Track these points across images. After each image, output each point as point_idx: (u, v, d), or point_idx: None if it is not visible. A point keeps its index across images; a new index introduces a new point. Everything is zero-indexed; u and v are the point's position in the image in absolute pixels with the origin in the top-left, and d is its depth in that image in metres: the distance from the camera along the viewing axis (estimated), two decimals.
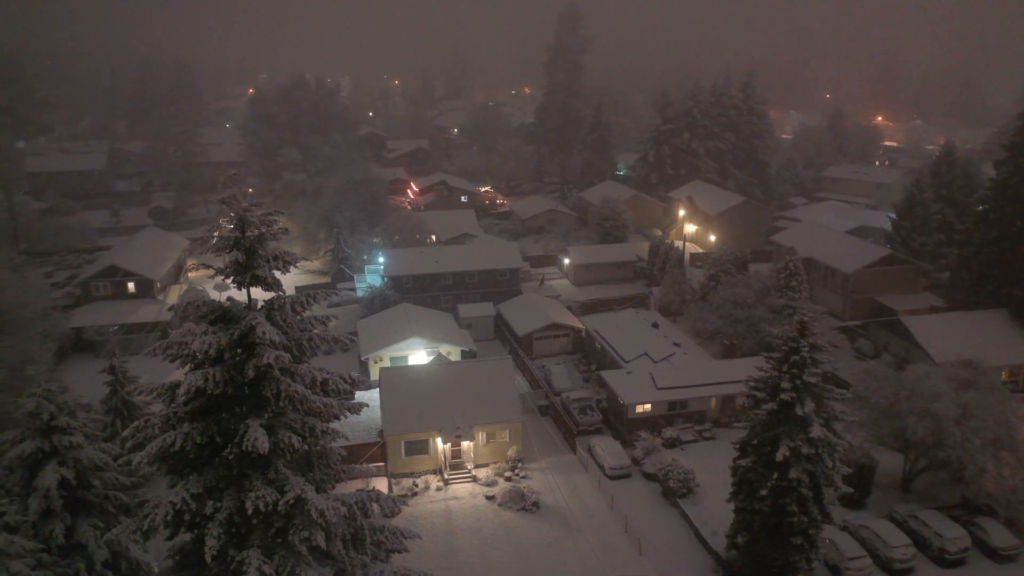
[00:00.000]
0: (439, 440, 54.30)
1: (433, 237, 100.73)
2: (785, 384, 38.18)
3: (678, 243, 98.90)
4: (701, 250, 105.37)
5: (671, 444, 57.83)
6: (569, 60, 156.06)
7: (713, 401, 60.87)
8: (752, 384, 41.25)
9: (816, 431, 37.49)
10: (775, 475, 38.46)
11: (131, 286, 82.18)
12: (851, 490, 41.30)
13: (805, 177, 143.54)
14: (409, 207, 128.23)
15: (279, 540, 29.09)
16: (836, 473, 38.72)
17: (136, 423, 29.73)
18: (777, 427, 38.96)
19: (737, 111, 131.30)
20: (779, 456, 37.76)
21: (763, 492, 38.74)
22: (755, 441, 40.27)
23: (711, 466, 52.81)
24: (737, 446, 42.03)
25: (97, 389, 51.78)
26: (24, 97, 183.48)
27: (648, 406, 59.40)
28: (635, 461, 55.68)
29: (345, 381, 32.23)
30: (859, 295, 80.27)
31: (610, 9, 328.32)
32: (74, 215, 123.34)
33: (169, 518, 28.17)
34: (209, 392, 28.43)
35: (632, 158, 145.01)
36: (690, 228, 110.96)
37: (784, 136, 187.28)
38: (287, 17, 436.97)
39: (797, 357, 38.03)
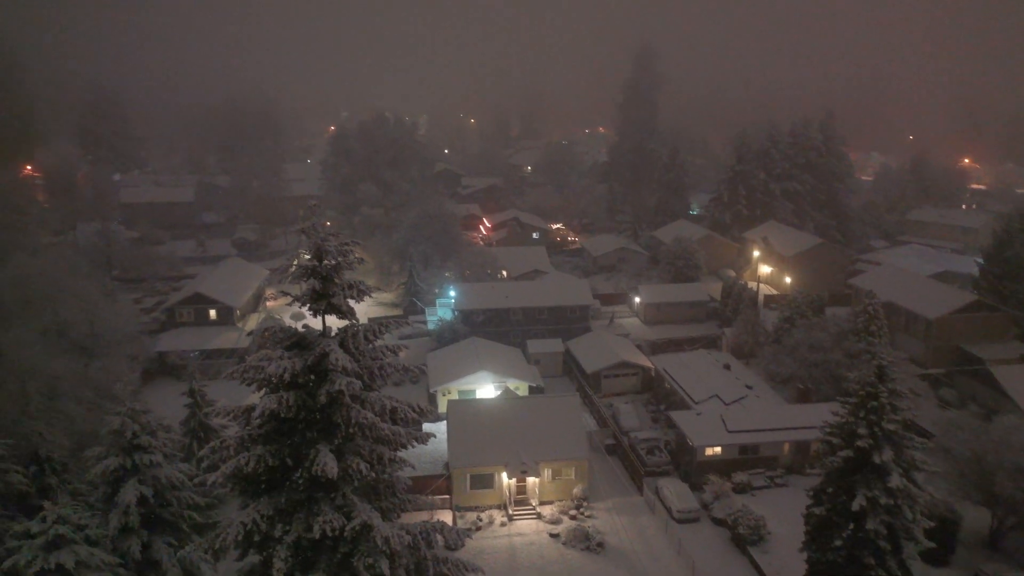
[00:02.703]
0: (504, 475, 54.16)
1: (504, 273, 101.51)
2: (862, 430, 36.89)
3: (752, 284, 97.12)
4: (776, 292, 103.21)
5: (741, 489, 56.25)
6: (644, 99, 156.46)
7: (786, 446, 59.10)
8: (827, 429, 39.99)
9: (895, 481, 36.01)
10: (851, 525, 37.02)
11: (213, 313, 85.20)
12: (933, 545, 39.32)
13: (886, 220, 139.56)
14: (481, 243, 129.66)
15: (344, 566, 29.44)
16: (916, 526, 37.00)
17: (212, 444, 30.72)
18: (853, 475, 37.57)
19: (815, 152, 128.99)
20: (855, 506, 36.36)
21: (838, 543, 37.30)
22: (830, 489, 38.89)
23: (783, 513, 51.14)
24: (811, 493, 40.63)
25: (177, 411, 53.68)
26: (122, 132, 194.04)
27: (718, 449, 58.07)
28: (704, 505, 54.34)
29: (414, 411, 32.65)
30: (943, 342, 77.06)
31: (687, 49, 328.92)
32: (163, 244, 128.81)
33: (240, 538, 28.87)
34: (282, 416, 29.20)
35: (706, 198, 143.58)
36: (764, 269, 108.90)
37: (865, 178, 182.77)
38: (371, 57, 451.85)
39: (875, 403, 36.76)
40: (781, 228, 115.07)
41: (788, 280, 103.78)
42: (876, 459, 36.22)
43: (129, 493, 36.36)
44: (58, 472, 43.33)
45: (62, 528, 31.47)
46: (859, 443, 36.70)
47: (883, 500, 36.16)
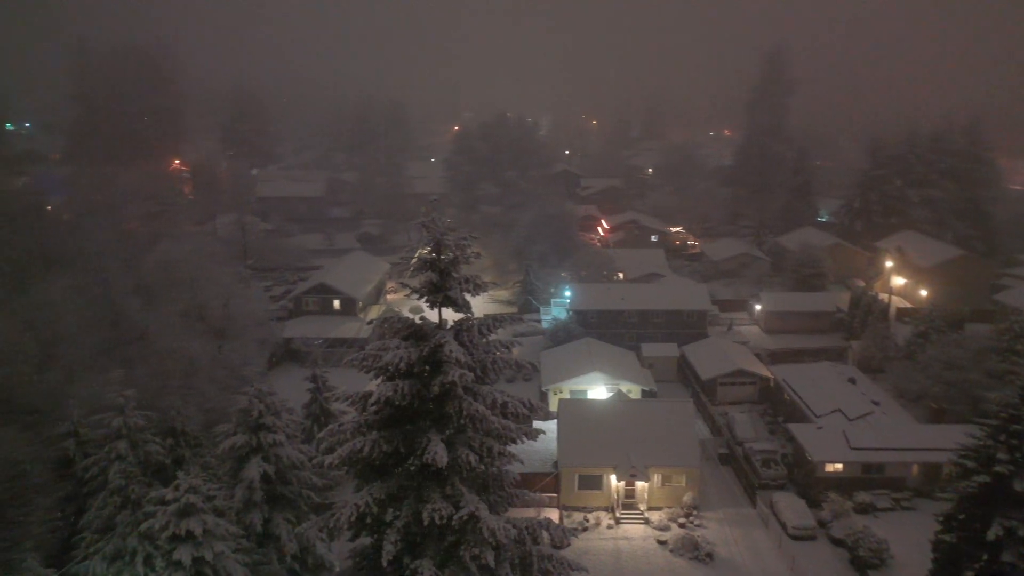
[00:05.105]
0: (613, 477, 53.67)
1: (621, 275, 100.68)
2: (1002, 455, 34.34)
3: (883, 295, 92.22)
4: (909, 305, 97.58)
5: (863, 509, 53.49)
6: (773, 102, 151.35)
7: (914, 468, 55.76)
8: (962, 452, 37.45)
9: None
10: (984, 556, 34.59)
11: (336, 303, 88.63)
12: None
13: None
14: (599, 244, 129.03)
15: (451, 554, 29.97)
16: None
17: (330, 427, 31.95)
18: (989, 502, 35.00)
19: (958, 157, 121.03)
20: (991, 535, 33.91)
21: (969, 574, 34.87)
22: (962, 516, 36.43)
23: (908, 538, 48.26)
24: (941, 519, 38.22)
25: (299, 395, 56.08)
26: (260, 130, 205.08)
27: (840, 466, 55.48)
28: (821, 523, 51.97)
29: (524, 406, 32.86)
30: None
31: (821, 49, 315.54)
32: (293, 236, 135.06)
33: (353, 519, 29.90)
34: (397, 403, 30.04)
35: (835, 204, 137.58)
36: (897, 280, 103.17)
37: (1015, 187, 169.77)
38: (496, 59, 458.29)
39: (1018, 427, 34.13)
40: (918, 237, 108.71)
41: (924, 293, 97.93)
42: (1017, 487, 33.65)
43: (253, 469, 38.31)
44: (191, 445, 46.24)
45: (193, 497, 33.45)
46: (997, 468, 34.18)
47: (1022, 531, 33.53)
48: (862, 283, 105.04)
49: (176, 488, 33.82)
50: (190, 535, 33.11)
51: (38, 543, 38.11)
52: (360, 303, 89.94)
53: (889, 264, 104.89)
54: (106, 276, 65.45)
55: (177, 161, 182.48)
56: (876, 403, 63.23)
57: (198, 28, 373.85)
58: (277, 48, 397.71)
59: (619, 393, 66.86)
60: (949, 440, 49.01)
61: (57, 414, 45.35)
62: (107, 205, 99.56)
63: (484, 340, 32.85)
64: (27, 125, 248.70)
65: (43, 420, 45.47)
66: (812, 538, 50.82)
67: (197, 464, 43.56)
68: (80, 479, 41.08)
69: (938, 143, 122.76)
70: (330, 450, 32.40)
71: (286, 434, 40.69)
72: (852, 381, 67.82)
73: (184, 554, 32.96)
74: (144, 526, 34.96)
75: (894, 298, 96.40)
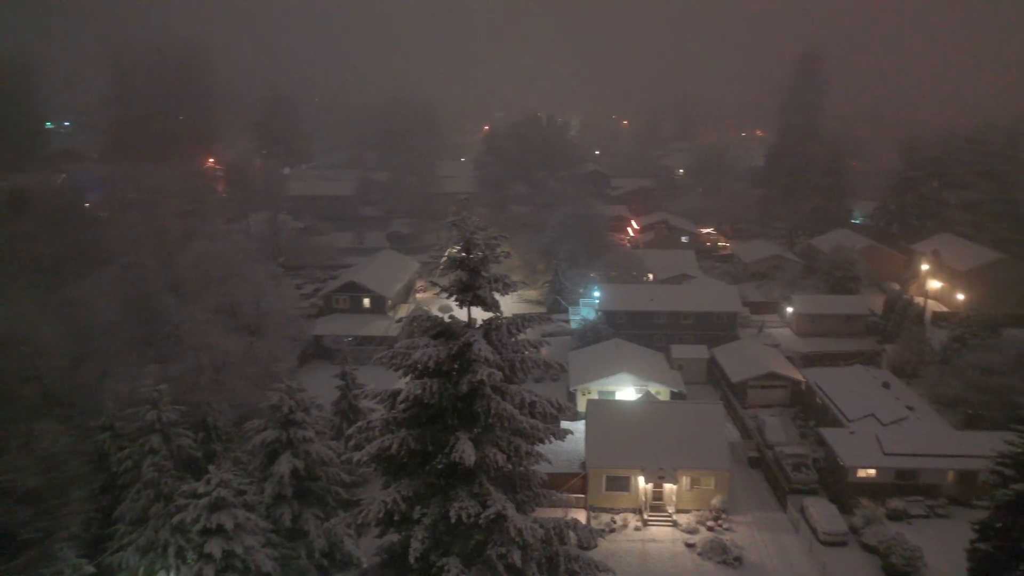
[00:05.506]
0: (641, 479, 53.38)
1: (650, 276, 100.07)
2: None
3: (918, 299, 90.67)
4: (945, 309, 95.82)
5: (896, 516, 52.62)
6: (806, 103, 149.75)
7: (950, 474, 54.75)
8: (999, 460, 36.69)
9: None
10: (1022, 567, 33.79)
11: (366, 302, 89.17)
12: None
13: None
14: (628, 244, 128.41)
15: (478, 553, 29.99)
16: None
17: (359, 424, 32.13)
18: None
19: (998, 159, 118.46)
20: None
21: None
22: (999, 524, 35.72)
23: (942, 546, 47.41)
24: (977, 528, 37.50)
25: (329, 392, 56.48)
26: (292, 130, 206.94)
27: (872, 471, 54.66)
28: (852, 529, 51.21)
29: (552, 406, 32.77)
30: None
31: (855, 49, 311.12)
32: (324, 235, 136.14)
33: (381, 516, 30.03)
34: (425, 401, 30.11)
35: (869, 206, 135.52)
36: (934, 284, 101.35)
37: None
38: (526, 59, 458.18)
39: None
40: (955, 240, 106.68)
41: (960, 297, 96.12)
42: None
43: (283, 465, 38.69)
44: (222, 440, 46.86)
45: (224, 491, 33.91)
46: None
47: None
48: (897, 286, 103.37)
49: (207, 482, 34.30)
50: (221, 529, 33.56)
51: (74, 533, 38.85)
52: (390, 301, 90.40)
53: (925, 267, 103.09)
54: (141, 273, 66.55)
55: (211, 160, 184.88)
56: (910, 408, 62.25)
57: (232, 29, 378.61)
58: (310, 48, 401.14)
59: (648, 394, 66.48)
60: (986, 447, 48.17)
61: (93, 408, 46.22)
62: (143, 203, 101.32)
63: (513, 339, 32.81)
64: (66, 124, 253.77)
65: (79, 413, 46.36)
66: (843, 544, 50.11)
67: (228, 459, 44.12)
68: (114, 472, 41.80)
69: (976, 144, 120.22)
70: (359, 447, 32.58)
71: (315, 430, 41.06)
72: (886, 385, 66.80)
73: (215, 547, 33.42)
74: (176, 519, 35.52)
75: (930, 302, 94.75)
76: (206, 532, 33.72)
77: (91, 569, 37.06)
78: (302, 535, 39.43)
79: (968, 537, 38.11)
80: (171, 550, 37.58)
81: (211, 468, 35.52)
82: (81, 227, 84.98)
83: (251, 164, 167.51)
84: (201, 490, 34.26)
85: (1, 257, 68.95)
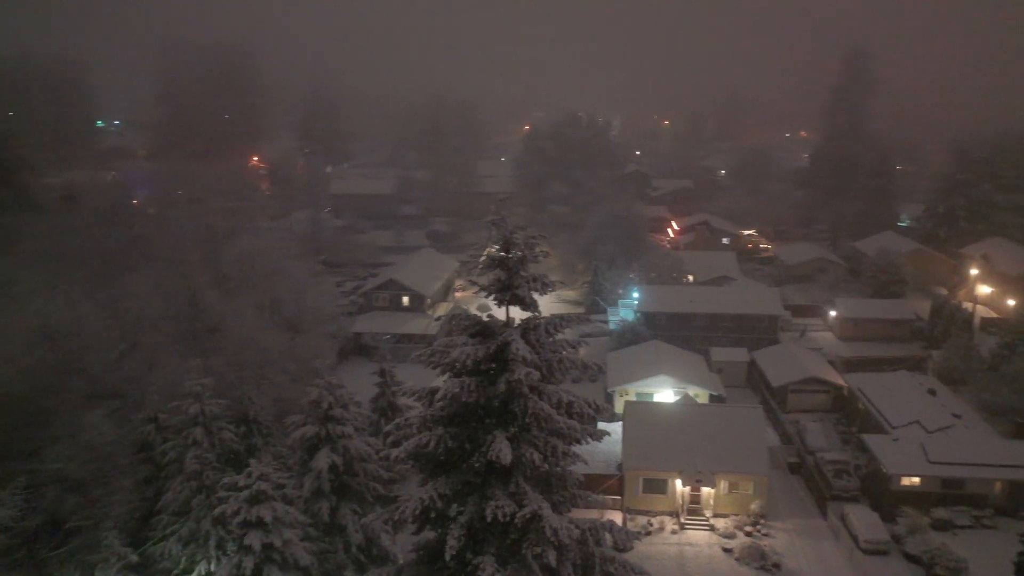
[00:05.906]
0: (678, 482, 52.96)
1: (690, 277, 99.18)
2: None
3: (967, 304, 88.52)
4: (995, 314, 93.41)
5: (941, 526, 51.45)
6: (852, 103, 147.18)
7: (997, 484, 53.35)
8: None
9: None
10: None
11: (405, 300, 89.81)
12: None
13: None
14: (668, 245, 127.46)
15: (513, 552, 29.96)
16: None
17: (397, 420, 32.34)
18: None
19: None
20: None
21: None
22: None
23: (989, 558, 46.33)
24: None
25: (367, 389, 56.96)
26: (334, 129, 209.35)
27: (916, 480, 53.52)
28: (895, 538, 50.19)
29: (589, 407, 32.56)
30: None
31: (904, 49, 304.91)
32: (365, 233, 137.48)
33: (417, 513, 30.14)
34: (463, 400, 30.15)
35: (916, 208, 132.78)
36: (983, 289, 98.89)
37: None
38: (568, 58, 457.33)
39: None
40: (1007, 245, 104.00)
41: (1011, 302, 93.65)
42: None
43: (322, 460, 39.12)
44: (263, 434, 47.59)
45: (264, 485, 34.37)
46: None
47: None
48: (944, 291, 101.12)
49: (248, 475, 34.79)
50: (260, 522, 34.03)
51: (119, 522, 39.78)
52: (428, 300, 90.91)
53: (974, 272, 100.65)
54: (187, 268, 67.78)
55: (255, 158, 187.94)
56: (957, 416, 60.78)
57: (275, 30, 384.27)
58: (351, 48, 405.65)
59: (686, 397, 65.92)
60: None
61: (138, 400, 47.25)
62: (189, 200, 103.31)
63: (551, 339, 32.67)
64: (116, 123, 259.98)
65: (125, 406, 47.45)
66: (885, 553, 49.15)
67: (268, 453, 44.78)
68: (158, 463, 42.64)
69: None
70: (396, 444, 32.75)
71: (354, 426, 41.42)
72: (932, 392, 65.32)
73: (254, 540, 33.91)
74: (217, 511, 36.14)
75: (979, 307, 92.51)
76: (246, 524, 34.21)
77: (135, 558, 37.92)
78: (340, 530, 39.82)
79: (1016, 549, 37.14)
80: (212, 541, 38.26)
81: (252, 462, 36.02)
82: (129, 223, 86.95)
83: (293, 163, 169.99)
84: (242, 483, 34.76)
85: (52, 252, 70.80)
